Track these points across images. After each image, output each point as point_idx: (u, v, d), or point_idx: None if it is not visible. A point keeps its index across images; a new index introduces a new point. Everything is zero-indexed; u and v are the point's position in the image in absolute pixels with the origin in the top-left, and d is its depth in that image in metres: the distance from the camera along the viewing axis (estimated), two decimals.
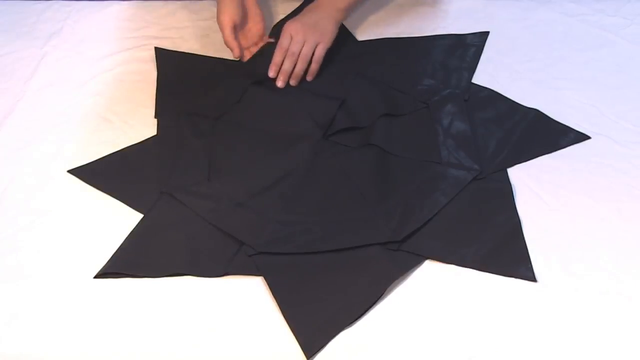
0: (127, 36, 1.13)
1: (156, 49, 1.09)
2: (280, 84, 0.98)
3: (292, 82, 0.99)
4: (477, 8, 1.15)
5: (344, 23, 1.11)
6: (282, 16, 1.13)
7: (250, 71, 1.02)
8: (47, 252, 0.84)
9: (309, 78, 1.00)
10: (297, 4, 1.15)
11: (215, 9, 1.03)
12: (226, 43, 1.01)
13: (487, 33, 1.10)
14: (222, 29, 1.00)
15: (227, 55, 1.07)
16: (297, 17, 1.01)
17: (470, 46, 1.08)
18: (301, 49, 0.98)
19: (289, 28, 0.99)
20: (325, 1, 1.02)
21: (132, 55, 1.09)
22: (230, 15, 1.00)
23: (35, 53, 1.11)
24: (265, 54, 1.02)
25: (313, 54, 0.99)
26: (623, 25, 1.10)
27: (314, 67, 0.99)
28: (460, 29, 1.11)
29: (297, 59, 0.98)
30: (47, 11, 1.18)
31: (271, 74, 0.98)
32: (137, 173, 0.92)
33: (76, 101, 1.03)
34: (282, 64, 0.98)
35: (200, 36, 1.11)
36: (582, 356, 0.73)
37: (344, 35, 1.09)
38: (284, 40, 0.98)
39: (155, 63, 1.07)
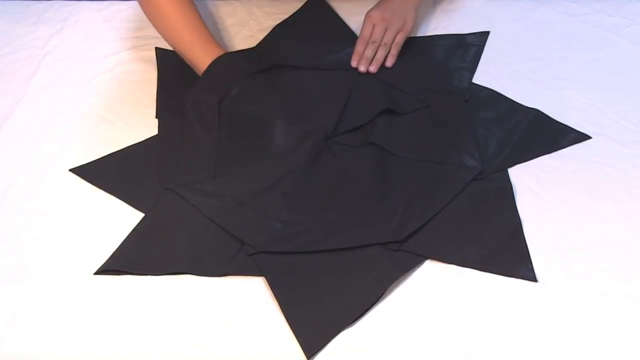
0: (127, 36, 1.13)
1: (156, 49, 1.08)
2: (362, 68, 1.00)
3: (372, 69, 1.01)
4: (477, 8, 1.15)
5: (347, 23, 1.12)
6: (282, 16, 1.13)
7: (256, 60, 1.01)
8: (48, 252, 0.84)
9: (388, 63, 1.02)
10: (297, 5, 1.15)
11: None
12: None
13: (487, 33, 1.10)
14: None
15: None
16: (377, 5, 1.04)
17: (470, 46, 1.08)
18: (382, 37, 1.01)
19: (371, 18, 1.02)
20: None
21: (132, 55, 1.10)
22: None
23: (35, 53, 1.11)
24: (272, 45, 1.02)
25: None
26: (623, 25, 1.10)
27: (394, 52, 1.02)
28: (461, 29, 1.11)
29: (378, 47, 1.01)
30: (48, 11, 1.18)
31: (354, 63, 1.01)
32: (138, 173, 0.92)
33: (77, 101, 1.03)
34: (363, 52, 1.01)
35: None
36: (582, 356, 0.73)
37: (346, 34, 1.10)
38: (366, 31, 1.02)
39: (155, 63, 1.07)
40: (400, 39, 1.02)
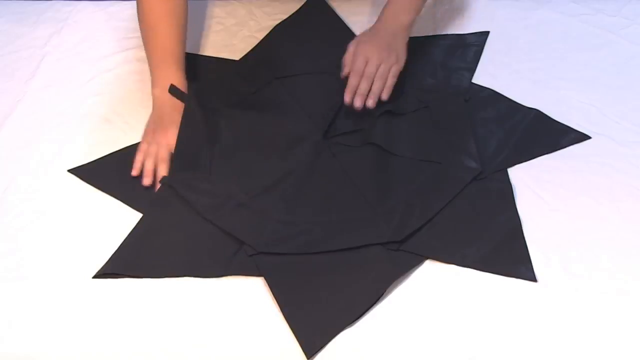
0: (127, 36, 1.13)
1: None
2: (358, 104, 0.93)
3: (370, 103, 0.93)
4: (477, 8, 1.15)
5: (347, 23, 1.12)
6: (282, 16, 1.13)
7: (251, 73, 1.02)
8: (47, 252, 0.84)
9: (384, 96, 0.95)
10: (297, 5, 1.15)
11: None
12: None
13: (487, 33, 1.10)
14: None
15: (227, 55, 1.08)
16: (366, 37, 0.97)
17: (470, 46, 1.08)
18: (377, 70, 0.94)
19: (362, 51, 0.95)
20: (389, 18, 0.98)
21: (132, 55, 1.10)
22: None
23: (35, 53, 1.11)
24: (264, 57, 1.02)
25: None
26: (623, 26, 1.10)
27: (390, 83, 0.95)
28: (460, 29, 1.11)
29: (373, 80, 0.94)
30: (48, 11, 1.18)
31: (347, 98, 0.94)
32: None
33: (76, 101, 1.03)
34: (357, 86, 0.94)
35: (199, 36, 1.11)
36: (582, 356, 0.73)
37: (344, 34, 1.10)
38: (358, 64, 0.94)
39: None
40: (396, 71, 0.95)
